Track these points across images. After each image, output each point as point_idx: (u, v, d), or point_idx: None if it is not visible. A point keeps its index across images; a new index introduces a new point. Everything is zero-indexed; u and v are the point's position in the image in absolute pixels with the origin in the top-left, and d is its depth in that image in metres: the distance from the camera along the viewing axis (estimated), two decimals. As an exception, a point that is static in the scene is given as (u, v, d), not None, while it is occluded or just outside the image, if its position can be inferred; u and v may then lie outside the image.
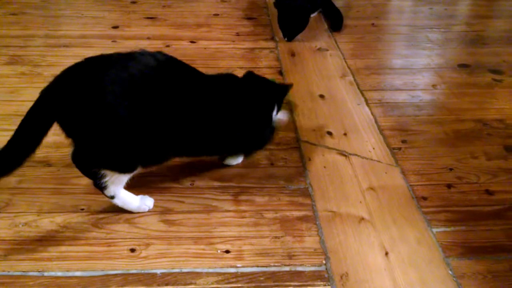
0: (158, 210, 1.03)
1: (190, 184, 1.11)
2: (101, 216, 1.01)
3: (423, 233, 1.01)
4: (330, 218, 1.04)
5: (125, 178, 0.97)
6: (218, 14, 1.97)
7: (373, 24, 1.94)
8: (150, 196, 1.06)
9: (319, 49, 1.74)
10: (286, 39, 1.76)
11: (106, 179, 0.95)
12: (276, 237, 0.98)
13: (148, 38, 1.76)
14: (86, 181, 1.10)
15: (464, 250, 0.98)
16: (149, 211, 1.03)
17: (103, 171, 0.93)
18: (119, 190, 0.98)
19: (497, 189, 1.13)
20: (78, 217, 1.01)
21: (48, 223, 0.99)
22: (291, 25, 1.74)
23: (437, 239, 1.00)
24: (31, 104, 1.35)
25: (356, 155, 1.22)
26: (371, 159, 1.21)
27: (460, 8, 2.22)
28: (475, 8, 2.21)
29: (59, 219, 1.00)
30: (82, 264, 0.91)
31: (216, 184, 1.12)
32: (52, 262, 0.91)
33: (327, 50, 1.73)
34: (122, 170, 0.95)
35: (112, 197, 0.99)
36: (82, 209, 1.03)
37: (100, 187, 0.97)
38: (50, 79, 1.47)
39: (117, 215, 1.02)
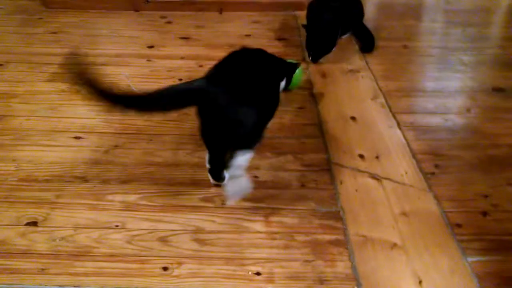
0: (190, 229, 1.05)
1: (222, 204, 1.12)
2: (135, 233, 1.03)
3: (457, 261, 0.99)
4: (362, 243, 1.03)
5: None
6: (250, 35, 2.00)
7: (404, 46, 1.94)
8: (182, 214, 1.08)
9: (350, 70, 1.74)
10: (310, 59, 1.77)
11: (238, 159, 1.06)
12: (307, 261, 0.98)
13: (182, 58, 1.80)
14: (120, 198, 1.13)
15: (500, 280, 0.95)
16: (181, 229, 1.05)
17: (241, 151, 1.06)
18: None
19: (534, 218, 1.11)
20: (113, 234, 1.03)
21: (84, 238, 1.02)
22: (318, 46, 1.76)
23: (472, 268, 0.97)
24: (70, 120, 1.41)
25: (388, 179, 1.21)
26: (404, 184, 1.19)
27: (493, 30, 2.19)
28: (508, 30, 2.18)
29: (95, 234, 1.03)
30: (117, 280, 0.93)
31: (247, 204, 1.12)
32: (88, 277, 0.93)
33: (359, 71, 1.73)
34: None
35: (229, 178, 1.09)
36: (117, 226, 1.05)
37: (225, 166, 1.09)
38: (88, 96, 1.53)
39: (151, 232, 1.04)
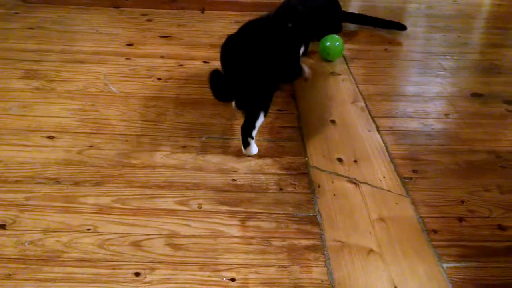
0: (164, 234, 1.02)
1: (198, 207, 1.10)
2: (107, 237, 1.01)
3: (433, 268, 0.99)
4: (339, 248, 1.02)
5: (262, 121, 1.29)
6: (231, 35, 1.98)
7: (385, 49, 1.94)
8: (156, 218, 1.06)
9: (331, 73, 1.74)
10: None
11: (258, 121, 1.26)
12: (283, 266, 0.97)
13: (162, 57, 1.77)
14: (93, 200, 1.10)
15: (475, 287, 0.96)
16: (154, 233, 1.02)
17: (260, 112, 1.27)
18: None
19: (510, 224, 1.11)
20: (84, 238, 1.00)
21: (54, 242, 0.99)
22: None
23: (447, 274, 0.97)
24: (43, 119, 1.38)
25: (366, 183, 1.20)
26: (382, 189, 1.19)
27: (473, 36, 2.22)
28: (489, 37, 2.21)
29: (65, 238, 1.00)
30: (86, 286, 0.90)
31: (224, 208, 1.11)
32: (56, 283, 0.90)
33: (340, 74, 1.73)
34: (266, 112, 1.30)
35: (252, 138, 1.25)
36: (89, 229, 1.02)
37: (252, 128, 1.25)
38: (64, 95, 1.50)
39: (123, 236, 1.01)
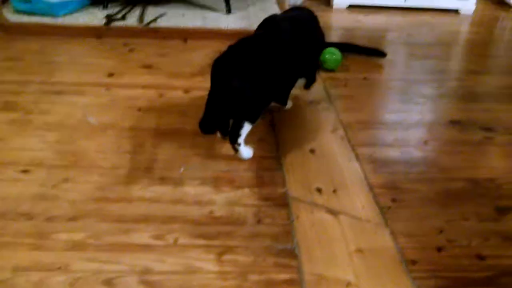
0: (138, 270, 1.00)
1: (173, 242, 1.08)
2: (78, 275, 0.98)
3: (412, 300, 0.98)
4: (316, 281, 1.00)
5: (249, 129, 1.34)
6: (213, 64, 1.99)
7: (365, 78, 1.97)
8: (131, 254, 1.04)
9: (311, 101, 1.75)
10: None
11: (243, 129, 1.32)
12: (259, 303, 0.94)
13: (143, 87, 1.77)
14: (66, 236, 1.07)
15: (454, 320, 0.94)
16: (128, 270, 1.00)
17: (244, 124, 1.32)
18: (243, 140, 1.34)
19: (488, 253, 1.11)
20: (54, 276, 0.97)
21: (23, 282, 0.96)
22: None
23: (426, 307, 0.96)
24: (19, 152, 1.36)
25: (345, 213, 1.20)
26: (360, 219, 1.18)
27: (451, 63, 2.26)
28: (466, 64, 2.25)
29: (35, 278, 0.97)
30: (54, 329, 0.87)
31: (200, 242, 1.09)
32: (23, 326, 0.87)
33: (319, 103, 1.74)
34: (253, 122, 1.35)
35: (239, 145, 1.33)
36: (59, 268, 0.99)
37: (236, 136, 1.32)
38: (42, 127, 1.48)
39: (95, 275, 0.98)
